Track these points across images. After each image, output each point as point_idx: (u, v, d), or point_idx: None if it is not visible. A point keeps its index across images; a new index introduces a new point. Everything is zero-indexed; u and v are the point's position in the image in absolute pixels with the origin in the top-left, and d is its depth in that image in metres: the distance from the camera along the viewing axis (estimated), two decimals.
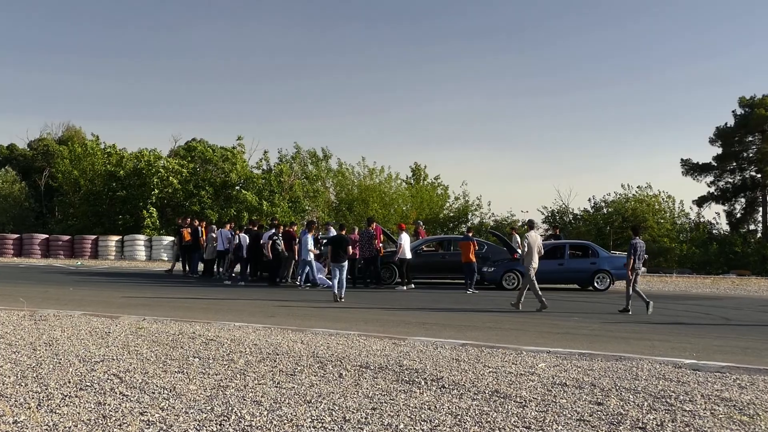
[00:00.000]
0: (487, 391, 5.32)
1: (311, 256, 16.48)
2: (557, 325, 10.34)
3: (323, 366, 6.25)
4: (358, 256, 17.07)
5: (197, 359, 6.46)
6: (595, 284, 17.49)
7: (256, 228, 19.01)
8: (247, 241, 17.82)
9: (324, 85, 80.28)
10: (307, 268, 16.58)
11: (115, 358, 6.44)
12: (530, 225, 13.49)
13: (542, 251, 12.56)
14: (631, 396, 5.26)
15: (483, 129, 74.53)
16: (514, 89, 75.45)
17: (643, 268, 12.19)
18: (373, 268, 17.31)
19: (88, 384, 5.32)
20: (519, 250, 12.46)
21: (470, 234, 17.38)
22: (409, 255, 16.89)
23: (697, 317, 12.05)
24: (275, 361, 6.45)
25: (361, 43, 79.89)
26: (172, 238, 29.73)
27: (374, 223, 17.88)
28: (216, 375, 5.75)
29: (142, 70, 79.48)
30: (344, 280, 13.64)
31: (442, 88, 77.71)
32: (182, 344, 7.31)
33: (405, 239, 16.95)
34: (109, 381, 5.44)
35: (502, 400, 5.07)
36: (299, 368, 6.12)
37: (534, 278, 12.14)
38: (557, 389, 5.48)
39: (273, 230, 17.63)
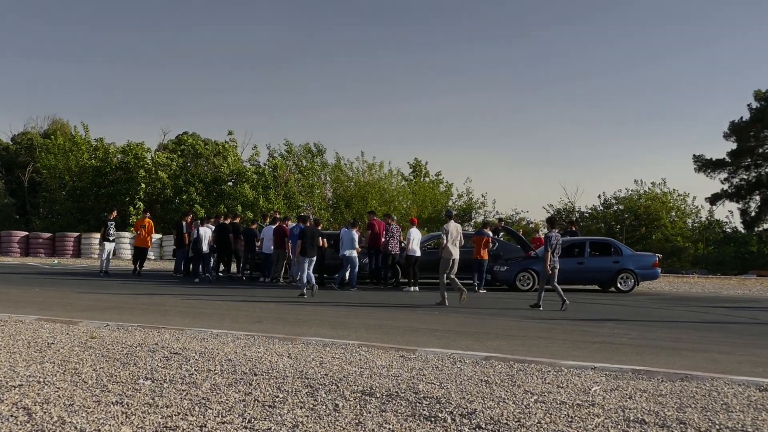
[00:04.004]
0: None
1: (354, 253, 15.24)
2: (589, 332, 8.89)
3: (313, 392, 4.73)
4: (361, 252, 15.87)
5: (149, 382, 4.94)
6: (618, 285, 15.98)
7: (254, 225, 18.24)
8: (209, 234, 16.89)
9: (320, 80, 78.85)
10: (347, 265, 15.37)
11: (41, 380, 4.92)
12: (448, 215, 12.49)
13: (463, 242, 12.23)
14: None
15: (484, 126, 73.08)
16: (517, 84, 74.05)
17: (557, 265, 11.44)
18: (382, 267, 16.00)
19: None
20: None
21: (486, 229, 15.95)
22: (418, 252, 15.44)
23: (745, 322, 10.61)
24: (250, 384, 4.93)
25: (358, 37, 78.46)
26: (160, 236, 28.24)
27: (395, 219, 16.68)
28: (166, 407, 4.22)
29: (131, 63, 77.91)
30: (311, 275, 13.12)
31: (443, 84, 76.30)
32: (137, 360, 5.78)
33: (415, 235, 15.46)
34: (11, 419, 3.91)
35: None
36: (281, 396, 4.60)
37: (447, 271, 11.74)
38: (637, 430, 3.95)
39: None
